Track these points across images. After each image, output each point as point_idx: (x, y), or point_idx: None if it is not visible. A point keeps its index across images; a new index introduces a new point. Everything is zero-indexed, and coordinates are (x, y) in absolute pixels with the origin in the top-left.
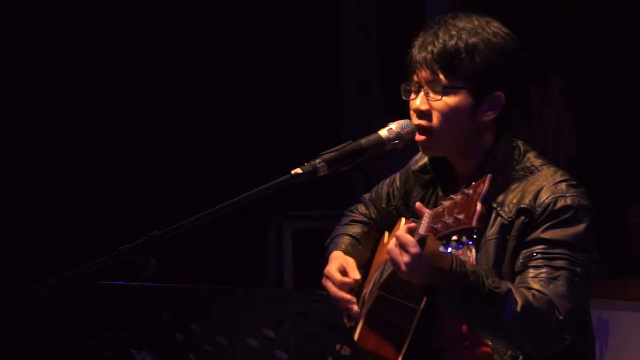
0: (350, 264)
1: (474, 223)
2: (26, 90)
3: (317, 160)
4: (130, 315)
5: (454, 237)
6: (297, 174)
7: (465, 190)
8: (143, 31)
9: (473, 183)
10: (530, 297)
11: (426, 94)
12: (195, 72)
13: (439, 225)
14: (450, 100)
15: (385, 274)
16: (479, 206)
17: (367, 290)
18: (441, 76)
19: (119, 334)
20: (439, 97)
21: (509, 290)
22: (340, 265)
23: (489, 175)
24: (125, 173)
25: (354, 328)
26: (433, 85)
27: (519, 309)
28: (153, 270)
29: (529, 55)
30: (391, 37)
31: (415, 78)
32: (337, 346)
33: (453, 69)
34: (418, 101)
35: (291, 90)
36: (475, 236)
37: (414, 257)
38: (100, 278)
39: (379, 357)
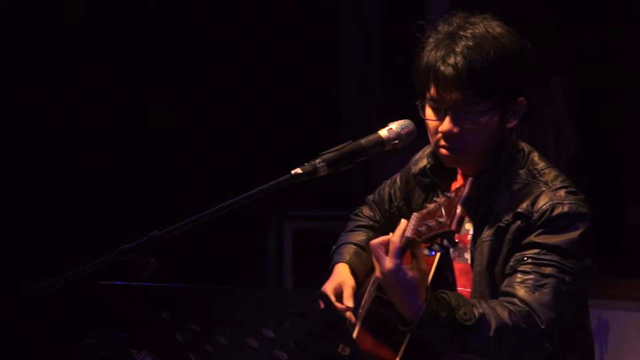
0: (348, 289)
1: (453, 226)
2: (26, 90)
3: (317, 160)
4: (130, 315)
5: (437, 240)
6: (297, 174)
7: (448, 194)
8: (143, 31)
9: (457, 186)
10: (506, 315)
11: (455, 115)
12: (196, 72)
13: (423, 228)
14: (483, 120)
15: None
16: (458, 209)
17: (366, 291)
18: (475, 98)
19: (119, 334)
20: (474, 118)
21: (481, 316)
22: (338, 286)
23: (470, 178)
24: (126, 173)
25: (352, 329)
26: (466, 108)
27: (491, 333)
28: (153, 270)
29: (534, 48)
30: (391, 37)
31: (438, 96)
32: (340, 347)
33: (483, 89)
34: (448, 124)
35: (291, 90)
36: (457, 240)
37: (392, 266)
38: (100, 278)
39: (376, 357)
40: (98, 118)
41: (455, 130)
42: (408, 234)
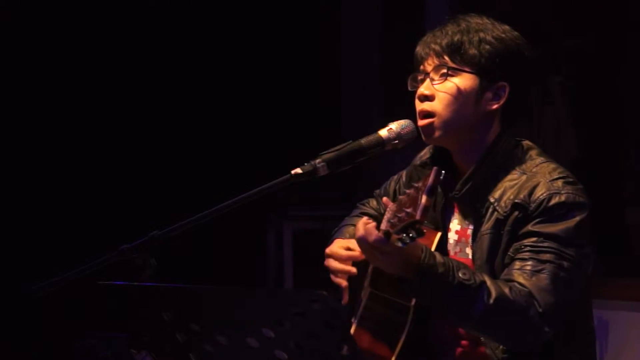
0: (354, 242)
1: (418, 216)
2: (27, 90)
3: (317, 160)
4: (130, 315)
5: (408, 231)
6: (297, 174)
7: (415, 184)
8: (144, 31)
9: (424, 177)
10: (507, 290)
11: (431, 80)
12: (196, 72)
13: (395, 220)
14: (455, 81)
15: (370, 268)
16: (424, 199)
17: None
18: (447, 59)
19: (119, 334)
20: (444, 79)
21: (482, 283)
22: (344, 243)
23: (435, 167)
24: (126, 173)
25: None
26: (439, 69)
27: (491, 301)
28: (153, 270)
29: (535, 55)
30: (391, 37)
31: (422, 68)
32: (337, 345)
33: (460, 54)
34: (423, 87)
35: (291, 90)
36: (424, 230)
37: (381, 248)
38: (100, 278)
39: (373, 355)
40: (98, 118)
41: (428, 92)
42: (383, 226)
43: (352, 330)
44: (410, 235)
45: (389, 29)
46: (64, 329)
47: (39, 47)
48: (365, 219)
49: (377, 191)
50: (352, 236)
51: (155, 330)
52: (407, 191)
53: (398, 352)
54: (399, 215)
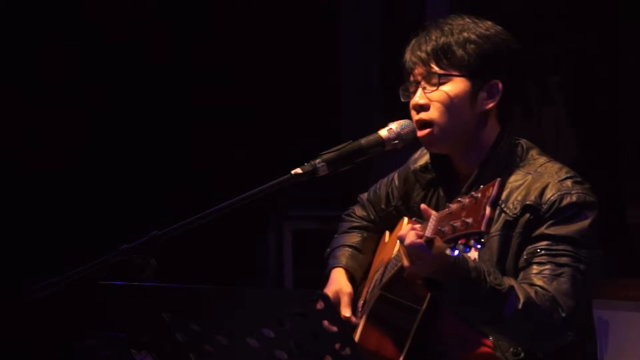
0: (345, 297)
1: (483, 227)
2: (26, 89)
3: (317, 160)
4: (130, 315)
5: (461, 241)
6: (297, 174)
7: (474, 194)
8: (143, 31)
9: (482, 186)
10: (533, 294)
11: (423, 89)
12: (195, 72)
13: (446, 228)
14: (447, 88)
15: (388, 274)
16: (488, 210)
17: (367, 289)
18: (435, 68)
19: (119, 334)
20: (436, 87)
21: (511, 287)
22: (335, 294)
23: (498, 179)
24: (126, 173)
25: (355, 328)
26: (429, 78)
27: (520, 306)
28: (153, 270)
29: (522, 48)
30: (391, 37)
31: (412, 78)
32: (337, 346)
33: (447, 59)
34: (416, 97)
35: (291, 90)
36: (483, 240)
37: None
38: (100, 278)
39: (380, 357)
40: (98, 118)
41: (422, 101)
42: (428, 233)
43: (359, 331)
44: (468, 244)
45: (389, 29)
46: (64, 329)
47: (38, 46)
48: (413, 225)
49: (364, 195)
50: (347, 261)
51: (155, 330)
52: (461, 199)
53: (406, 353)
54: (454, 224)
